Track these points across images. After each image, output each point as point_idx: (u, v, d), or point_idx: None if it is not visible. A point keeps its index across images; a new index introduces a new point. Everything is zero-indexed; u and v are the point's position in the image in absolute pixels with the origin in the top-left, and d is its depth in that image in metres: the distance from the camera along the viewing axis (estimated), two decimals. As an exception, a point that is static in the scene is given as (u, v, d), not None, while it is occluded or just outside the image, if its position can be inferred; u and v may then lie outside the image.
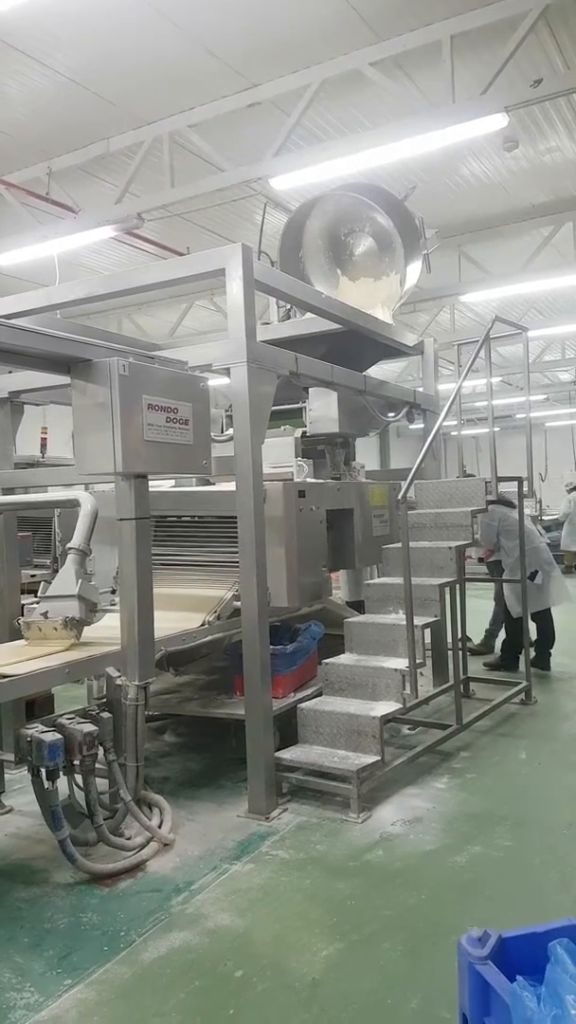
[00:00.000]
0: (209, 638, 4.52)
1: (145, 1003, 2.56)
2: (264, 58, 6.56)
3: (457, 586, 5.30)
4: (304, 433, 5.65)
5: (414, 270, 6.30)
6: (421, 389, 6.70)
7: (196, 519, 5.12)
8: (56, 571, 7.41)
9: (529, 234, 10.49)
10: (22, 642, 3.92)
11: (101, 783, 3.61)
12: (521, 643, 6.52)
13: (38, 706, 5.42)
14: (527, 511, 6.43)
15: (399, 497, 4.61)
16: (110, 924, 3.05)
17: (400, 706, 4.45)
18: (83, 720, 3.49)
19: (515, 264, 10.94)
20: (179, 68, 6.63)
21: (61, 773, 3.34)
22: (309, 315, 5.59)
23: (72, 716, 3.52)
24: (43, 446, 10.97)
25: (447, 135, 6.21)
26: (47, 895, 3.31)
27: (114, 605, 4.66)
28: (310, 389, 5.63)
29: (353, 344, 5.81)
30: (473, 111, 6.06)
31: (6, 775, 4.36)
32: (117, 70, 6.65)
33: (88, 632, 3.95)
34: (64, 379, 3.90)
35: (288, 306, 6.97)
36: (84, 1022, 2.47)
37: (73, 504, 4.27)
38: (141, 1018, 2.48)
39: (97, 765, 3.53)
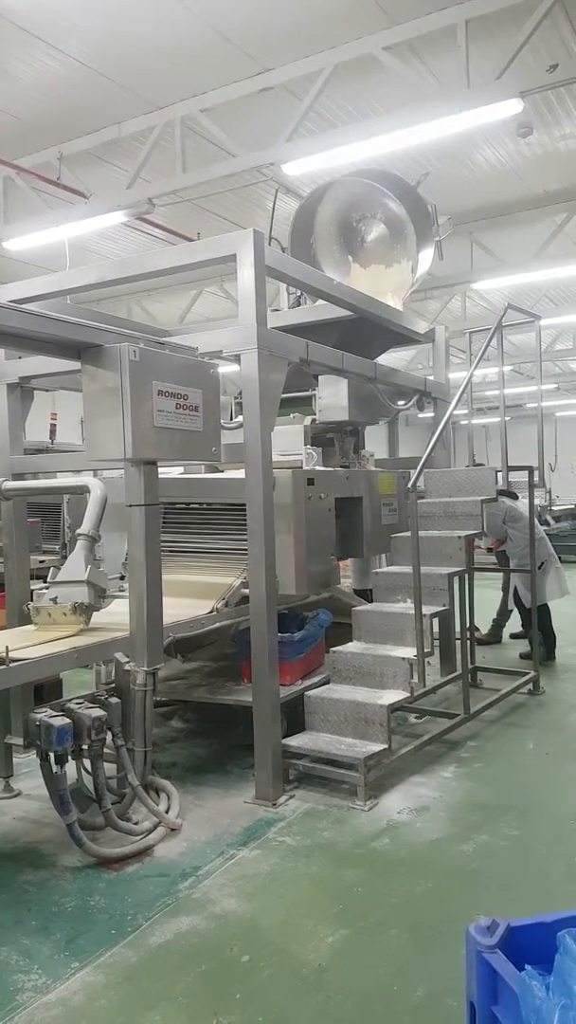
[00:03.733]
0: (217, 625, 4.53)
1: (152, 987, 2.58)
2: (277, 42, 6.49)
3: (466, 575, 5.28)
4: (313, 421, 5.63)
5: (426, 257, 6.25)
6: (431, 377, 6.66)
7: (205, 506, 5.11)
8: (65, 557, 7.45)
9: (542, 221, 10.37)
10: (31, 627, 3.93)
11: (109, 768, 3.63)
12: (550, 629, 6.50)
13: (46, 691, 5.45)
14: (536, 501, 6.38)
15: (409, 486, 4.59)
16: (117, 908, 3.07)
17: (408, 695, 4.45)
18: (92, 705, 3.50)
19: (528, 252, 10.84)
20: (191, 52, 6.56)
21: (70, 757, 3.36)
22: (320, 302, 5.55)
23: (81, 701, 3.54)
24: (52, 432, 10.96)
25: (461, 120, 6.13)
26: (55, 878, 3.33)
27: (122, 591, 4.67)
28: (320, 377, 5.60)
29: (364, 331, 5.77)
30: (488, 96, 5.98)
31: (14, 759, 4.39)
32: (129, 54, 6.60)
33: (97, 617, 3.97)
34: (74, 365, 3.89)
35: (298, 293, 6.93)
36: (91, 1005, 2.49)
37: (83, 490, 4.27)
38: (148, 1002, 2.50)
39: (105, 750, 3.54)
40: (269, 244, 5.49)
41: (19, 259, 10.13)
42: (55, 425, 11.08)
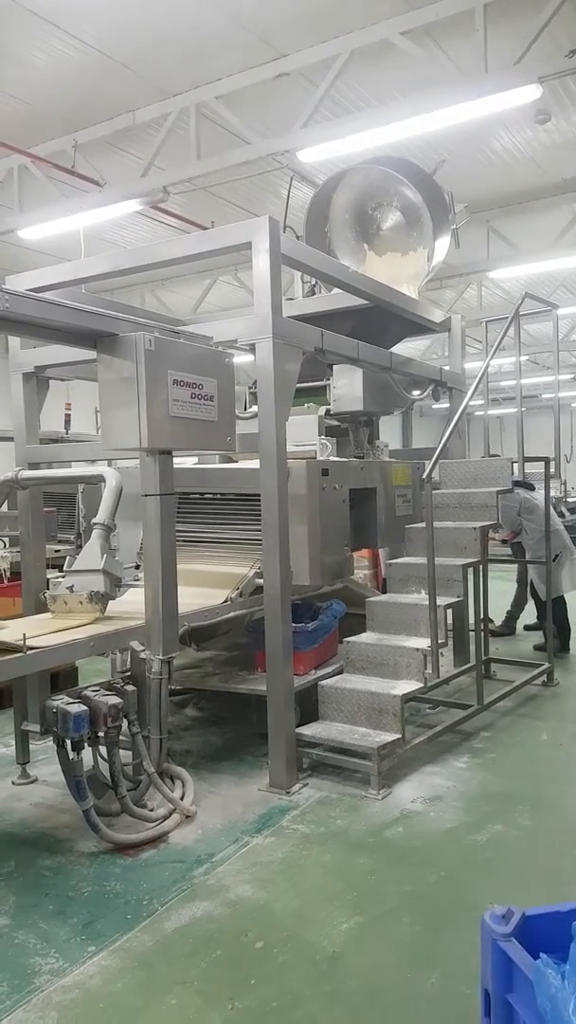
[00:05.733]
0: (231, 615, 4.54)
1: (167, 971, 2.61)
2: (293, 28, 6.43)
3: (480, 567, 5.26)
4: (328, 411, 5.61)
5: (442, 245, 6.20)
6: (447, 367, 6.61)
7: (218, 496, 5.12)
8: (80, 546, 7.50)
9: (560, 209, 10.27)
10: (48, 615, 3.96)
11: (125, 755, 3.66)
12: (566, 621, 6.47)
13: (62, 679, 5.51)
14: (551, 492, 6.34)
15: (424, 476, 4.57)
16: (133, 893, 3.10)
17: (421, 685, 4.45)
18: (108, 692, 3.53)
19: (545, 240, 10.73)
20: (207, 38, 6.52)
21: (86, 744, 3.39)
22: (335, 291, 5.52)
23: (97, 688, 3.57)
24: (67, 422, 11.02)
25: (479, 106, 6.07)
26: (71, 863, 3.37)
27: (137, 580, 4.70)
28: (334, 366, 5.57)
29: (379, 321, 5.73)
30: (506, 82, 5.91)
31: (31, 746, 4.44)
32: (144, 40, 6.56)
33: (112, 606, 3.99)
34: (89, 354, 3.90)
35: (313, 282, 6.89)
36: (107, 988, 2.52)
37: (98, 480, 4.29)
38: (164, 986, 2.53)
39: (121, 737, 3.57)
40: (284, 232, 5.47)
41: (34, 248, 10.16)
42: (70, 415, 11.14)
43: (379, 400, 5.66)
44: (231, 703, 5.23)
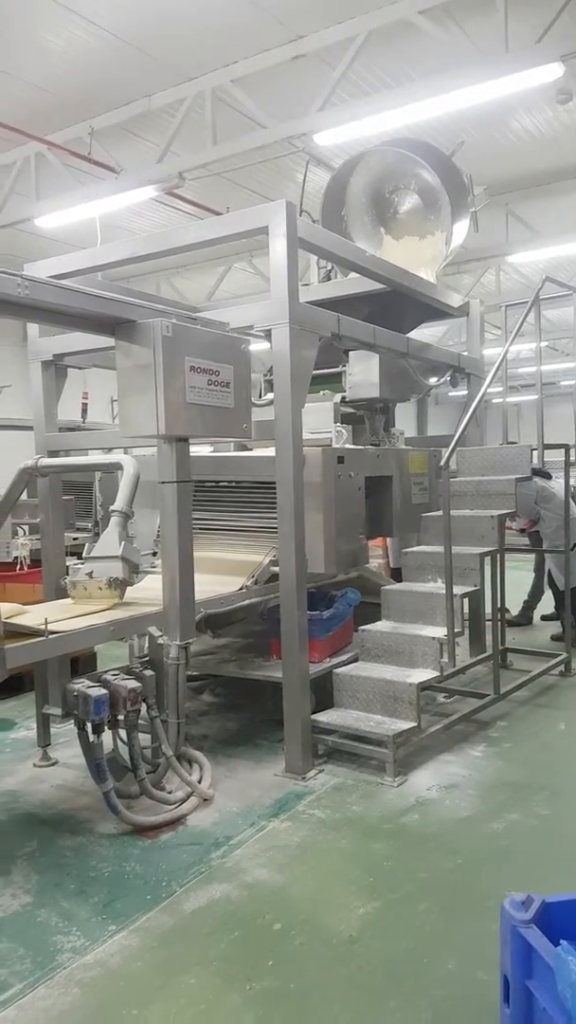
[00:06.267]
0: (247, 602, 4.56)
1: (187, 951, 2.64)
2: (310, 9, 6.35)
3: (497, 556, 5.24)
4: (343, 398, 5.59)
5: (461, 229, 6.13)
6: (466, 353, 6.56)
7: (234, 484, 5.12)
8: (97, 534, 7.54)
9: (580, 192, 10.11)
10: (68, 601, 4.00)
11: (143, 739, 3.69)
12: None
13: (82, 663, 5.56)
14: (570, 481, 6.28)
15: (441, 464, 4.54)
16: (152, 874, 3.14)
17: (437, 674, 4.45)
18: (127, 677, 3.56)
19: (565, 223, 10.58)
20: (223, 20, 6.46)
21: (106, 727, 3.43)
22: (351, 276, 5.48)
23: (117, 673, 3.60)
24: (84, 411, 11.05)
25: (499, 86, 5.97)
26: (91, 844, 3.42)
27: (154, 567, 4.72)
28: (350, 353, 5.54)
29: (396, 306, 5.69)
30: (527, 61, 5.81)
31: (52, 729, 4.49)
32: (160, 24, 6.51)
33: (130, 592, 4.01)
34: (106, 342, 3.90)
35: (328, 267, 6.84)
36: (128, 967, 2.56)
37: (116, 467, 4.30)
38: (183, 965, 2.56)
39: (139, 722, 3.61)
40: (300, 216, 5.43)
41: (50, 237, 10.16)
42: (86, 404, 11.17)
43: (396, 387, 5.63)
44: (247, 689, 5.26)
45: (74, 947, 2.68)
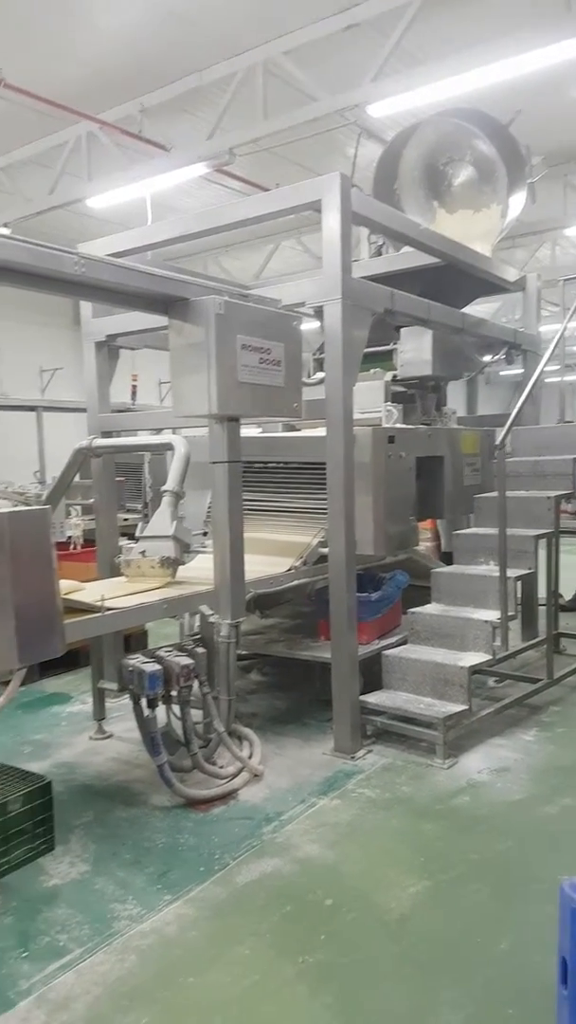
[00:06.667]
0: (295, 583, 4.56)
1: (240, 922, 2.69)
2: (363, -25, 6.20)
3: (553, 538, 5.12)
4: (394, 376, 5.50)
5: (517, 201, 5.95)
6: (522, 329, 6.39)
7: (282, 465, 5.11)
8: (147, 515, 7.62)
9: None
10: (122, 579, 4.06)
11: (195, 715, 3.74)
12: None
13: (133, 641, 5.66)
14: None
15: (497, 443, 4.45)
16: (205, 847, 3.20)
17: (489, 657, 4.39)
18: (180, 653, 3.61)
19: (626, 195, 10.20)
20: (274, -9, 6.35)
21: (160, 702, 3.49)
22: (404, 250, 5.37)
23: (170, 649, 3.66)
24: (133, 393, 11.17)
25: (561, 50, 5.75)
26: (146, 816, 3.49)
27: (204, 547, 4.76)
28: (402, 329, 5.45)
29: (449, 281, 5.56)
30: (591, 22, 5.57)
31: (106, 703, 4.58)
32: (211, -4, 6.44)
33: (181, 571, 4.06)
34: (157, 322, 3.91)
35: (380, 243, 6.73)
36: (183, 936, 2.62)
37: (167, 448, 4.33)
38: (236, 936, 2.61)
39: (191, 698, 3.65)
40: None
41: (100, 218, 10.23)
42: (136, 386, 11.28)
43: (449, 364, 5.51)
44: (294, 669, 5.28)
45: (130, 915, 2.75)
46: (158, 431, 5.78)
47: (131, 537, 4.72)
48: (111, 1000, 2.32)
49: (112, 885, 2.95)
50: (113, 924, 2.70)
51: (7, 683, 2.91)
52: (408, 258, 5.40)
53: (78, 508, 7.08)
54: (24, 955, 2.55)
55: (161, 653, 3.61)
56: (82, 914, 2.76)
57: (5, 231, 2.80)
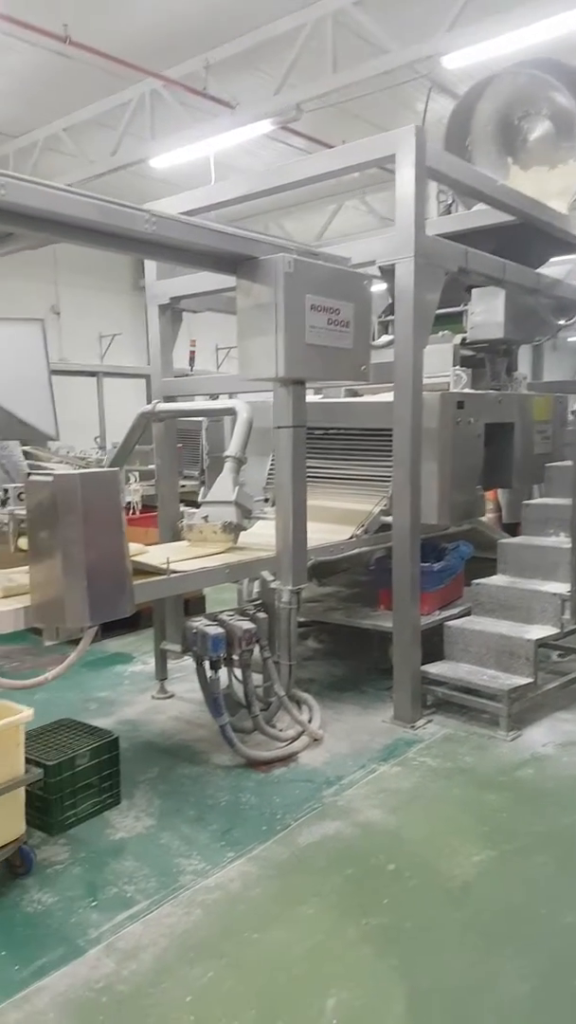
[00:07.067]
0: (356, 551, 4.52)
1: (302, 882, 2.71)
2: None
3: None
4: (463, 339, 5.34)
5: (597, 157, 5.65)
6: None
7: (343, 432, 5.02)
8: (203, 482, 7.64)
9: None
10: (184, 543, 4.08)
11: (256, 679, 3.77)
12: None
13: (191, 605, 5.72)
14: None
15: (573, 410, 4.28)
16: (266, 807, 3.24)
17: (557, 630, 4.28)
18: (242, 618, 3.62)
19: None
20: None
21: (222, 665, 3.51)
22: (477, 207, 5.16)
23: (232, 613, 3.67)
24: (191, 359, 11.17)
25: None
26: (208, 774, 3.55)
27: (264, 513, 4.74)
28: (473, 291, 5.26)
29: (522, 240, 5.31)
30: None
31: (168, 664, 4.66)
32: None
33: (242, 537, 4.05)
34: (220, 284, 3.84)
35: (449, 200, 6.50)
36: (247, 893, 2.66)
37: (230, 413, 4.31)
38: (299, 896, 2.63)
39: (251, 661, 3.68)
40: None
41: (161, 179, 10.14)
42: (194, 352, 11.26)
43: (522, 327, 5.32)
44: (350, 637, 5.26)
45: (195, 870, 2.80)
46: (213, 396, 5.76)
47: (187, 503, 4.74)
48: (178, 952, 2.37)
49: (177, 840, 3.01)
50: (178, 878, 2.75)
51: (76, 641, 2.96)
52: (480, 216, 5.19)
53: (136, 474, 7.15)
54: (93, 904, 2.62)
55: (224, 617, 3.63)
56: (148, 867, 2.83)
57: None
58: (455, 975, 2.27)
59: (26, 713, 2.70)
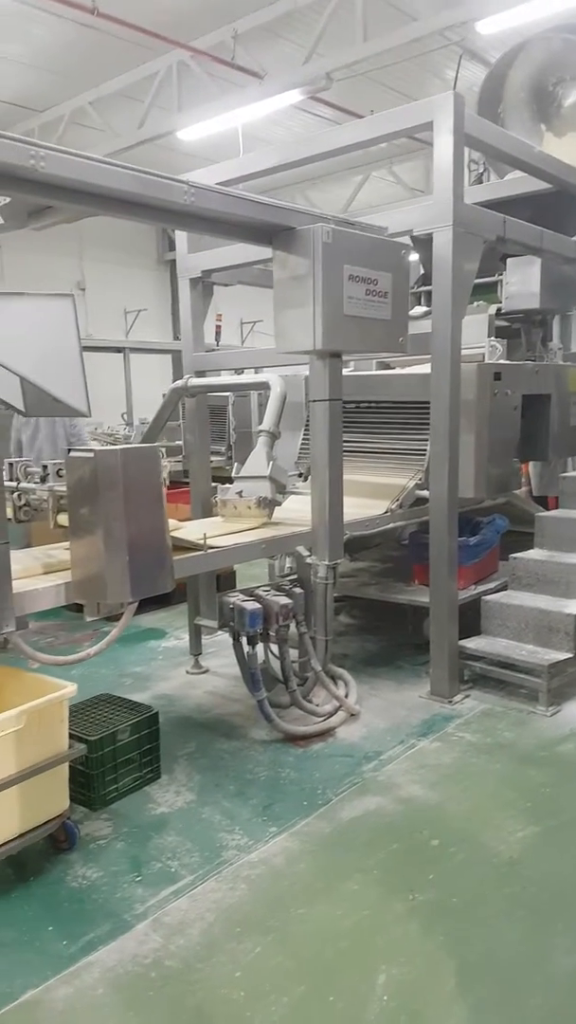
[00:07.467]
0: (391, 525, 4.48)
1: (346, 857, 2.71)
2: None
3: None
4: (498, 310, 5.22)
5: None
6: None
7: (376, 405, 4.96)
8: (230, 457, 7.60)
9: None
10: (218, 519, 4.06)
11: (291, 654, 3.75)
12: None
13: (222, 580, 5.73)
14: None
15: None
16: (306, 781, 3.24)
17: (597, 605, 4.22)
18: (278, 593, 3.61)
19: None
20: None
21: (259, 640, 3.51)
22: (512, 175, 5.03)
23: (268, 589, 3.65)
24: (218, 333, 11.09)
25: None
26: (246, 749, 3.56)
27: (296, 488, 4.71)
28: (509, 260, 5.14)
29: (557, 208, 5.18)
30: None
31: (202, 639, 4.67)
32: None
33: (275, 513, 4.02)
34: (251, 257, 3.74)
35: (481, 169, 6.34)
36: (291, 868, 2.66)
37: (263, 387, 4.26)
38: (344, 871, 2.63)
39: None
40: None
41: (187, 152, 10.03)
42: (220, 327, 11.18)
43: (558, 296, 5.19)
44: (384, 612, 5.24)
45: (238, 845, 2.80)
46: (238, 371, 5.70)
47: (216, 479, 4.72)
48: (224, 927, 2.38)
49: (218, 815, 3.02)
50: (222, 853, 2.76)
51: (110, 618, 2.96)
52: (514, 184, 5.06)
53: (163, 450, 7.14)
54: (138, 879, 2.64)
55: (260, 592, 3.61)
56: (191, 842, 2.84)
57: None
58: (505, 950, 2.25)
59: (70, 688, 2.71)
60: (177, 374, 5.34)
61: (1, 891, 2.58)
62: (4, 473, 3.07)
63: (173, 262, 15.25)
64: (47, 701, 2.62)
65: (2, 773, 2.50)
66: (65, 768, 2.76)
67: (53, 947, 2.33)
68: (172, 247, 14.92)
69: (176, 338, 13.33)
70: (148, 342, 12.15)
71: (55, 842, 2.79)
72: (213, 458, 7.44)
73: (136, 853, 2.79)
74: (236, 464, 4.40)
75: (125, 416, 10.92)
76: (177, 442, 8.29)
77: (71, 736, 2.84)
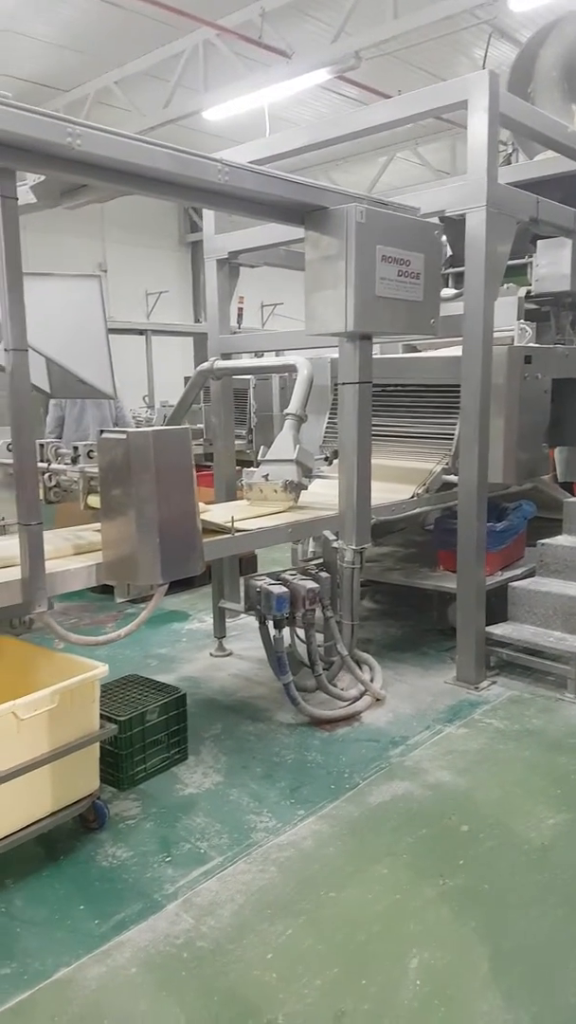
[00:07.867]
0: (418, 510, 4.44)
1: (375, 842, 2.71)
2: None
3: None
4: (528, 292, 5.13)
5: None
6: None
7: (402, 389, 4.90)
8: (251, 441, 7.56)
9: None
10: (243, 502, 4.05)
11: (317, 639, 3.75)
12: None
13: (244, 564, 5.72)
14: None
15: None
16: (333, 765, 3.24)
17: (626, 592, 4.17)
18: (305, 577, 3.59)
19: None
20: None
21: (285, 624, 3.50)
22: (545, 155, 4.93)
23: (294, 573, 3.64)
24: (239, 316, 11.02)
25: None
26: (272, 732, 3.56)
27: (322, 472, 4.68)
28: (539, 242, 5.05)
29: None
30: None
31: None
32: None
33: (301, 496, 4.00)
34: (277, 238, 3.67)
35: (509, 149, 6.23)
36: (321, 851, 2.66)
37: (291, 369, 4.23)
38: (373, 855, 2.63)
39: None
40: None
41: (212, 133, 9.94)
42: (242, 309, 11.10)
43: (590, 279, 5.08)
44: (407, 598, 5.22)
45: (267, 827, 2.81)
46: (258, 354, 5.65)
47: (239, 463, 4.69)
48: (255, 909, 2.38)
49: (246, 797, 3.03)
50: (251, 835, 2.77)
51: (140, 600, 2.97)
52: (544, 165, 4.96)
53: (190, 433, 7.12)
54: (167, 860, 2.65)
55: (287, 576, 3.60)
56: (220, 823, 2.85)
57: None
58: (538, 937, 2.24)
59: (101, 669, 2.71)
60: (199, 357, 5.31)
61: (32, 870, 2.60)
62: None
63: (195, 243, 15.18)
64: (80, 681, 2.63)
65: (35, 752, 2.52)
66: (96, 748, 2.77)
67: (85, 926, 2.34)
68: (194, 228, 14.80)
69: (197, 320, 13.27)
70: (170, 324, 12.11)
71: (85, 822, 2.81)
72: (236, 441, 7.46)
73: (165, 833, 2.81)
74: (261, 447, 4.38)
75: (146, 399, 10.92)
76: (199, 425, 8.28)
77: (101, 716, 2.85)
